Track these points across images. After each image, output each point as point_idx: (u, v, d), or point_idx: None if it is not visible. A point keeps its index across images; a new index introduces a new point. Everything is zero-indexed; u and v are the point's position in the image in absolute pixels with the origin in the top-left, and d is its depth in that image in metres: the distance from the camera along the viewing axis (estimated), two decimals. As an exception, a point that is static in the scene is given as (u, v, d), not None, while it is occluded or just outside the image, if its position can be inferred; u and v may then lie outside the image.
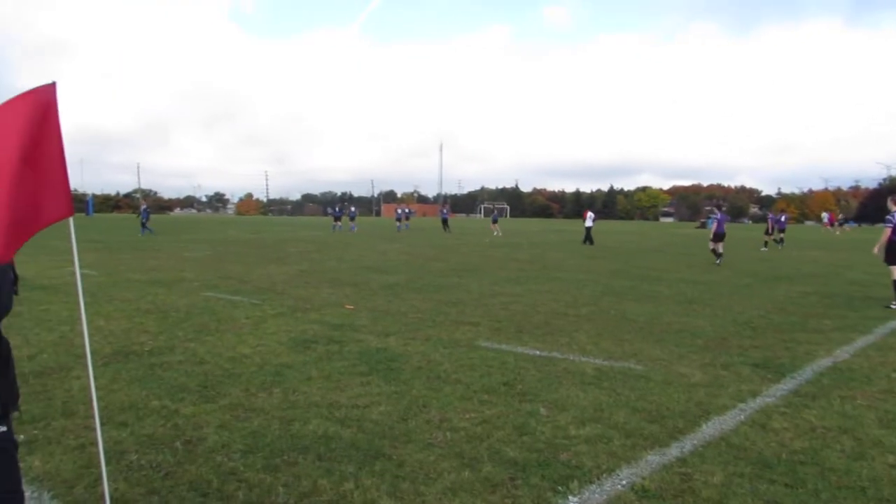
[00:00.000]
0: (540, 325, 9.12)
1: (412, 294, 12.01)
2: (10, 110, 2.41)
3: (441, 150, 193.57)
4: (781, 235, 33.72)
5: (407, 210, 57.23)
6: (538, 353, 7.38)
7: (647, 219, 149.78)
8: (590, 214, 32.25)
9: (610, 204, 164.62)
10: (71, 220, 3.56)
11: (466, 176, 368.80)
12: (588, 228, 31.32)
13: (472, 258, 21.37)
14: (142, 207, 36.61)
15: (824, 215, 61.94)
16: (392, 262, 19.13)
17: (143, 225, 34.35)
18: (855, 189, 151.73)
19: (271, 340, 7.74)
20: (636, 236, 45.37)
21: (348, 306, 10.36)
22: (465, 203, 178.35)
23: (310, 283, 13.51)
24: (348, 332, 8.35)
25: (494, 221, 43.40)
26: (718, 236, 20.87)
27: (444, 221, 46.69)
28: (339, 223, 45.34)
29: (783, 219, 35.83)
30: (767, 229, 31.09)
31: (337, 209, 47.18)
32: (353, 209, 49.58)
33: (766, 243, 30.17)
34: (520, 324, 9.15)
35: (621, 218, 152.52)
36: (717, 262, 20.36)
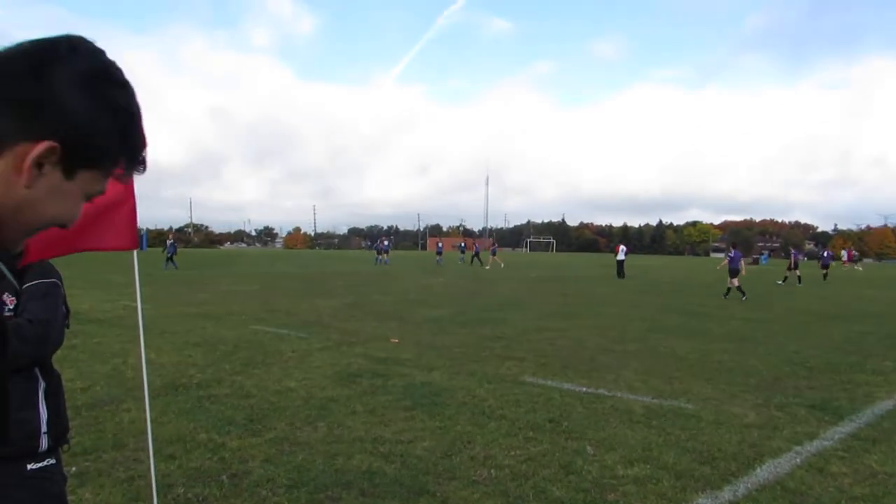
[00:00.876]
0: (586, 360, 8.99)
1: (457, 328, 11.98)
2: None
3: (487, 183, 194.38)
4: (825, 271, 33.37)
5: (462, 244, 58.27)
6: (584, 389, 7.27)
7: (697, 254, 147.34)
8: (622, 248, 33.04)
9: (659, 238, 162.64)
10: (135, 253, 3.71)
11: (512, 209, 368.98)
12: (620, 262, 31.71)
13: (517, 292, 21.26)
14: (168, 242, 36.52)
15: (843, 253, 61.48)
16: (437, 296, 19.15)
17: (169, 259, 33.82)
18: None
19: (316, 374, 7.79)
20: (685, 271, 44.62)
21: (393, 340, 10.38)
22: (511, 237, 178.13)
23: (355, 316, 13.60)
24: (393, 366, 8.35)
25: (493, 254, 45.01)
26: (733, 272, 20.81)
27: (476, 254, 47.37)
28: (380, 256, 46.88)
29: (826, 254, 35.52)
30: (790, 265, 30.67)
31: (376, 243, 48.70)
32: (385, 243, 50.54)
33: (785, 278, 29.92)
34: (566, 359, 9.03)
35: (670, 253, 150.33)
36: (744, 297, 20.28)
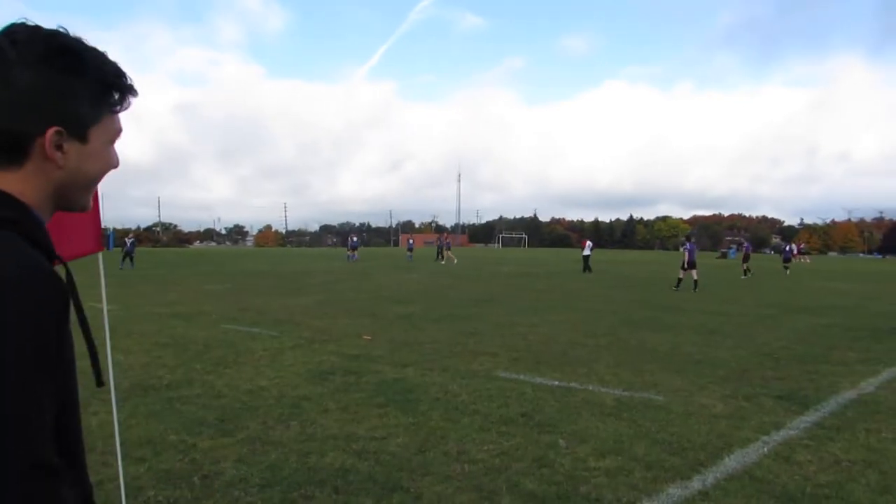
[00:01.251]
0: (558, 355, 9.05)
1: (430, 324, 11.99)
2: None
3: (459, 180, 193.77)
4: (787, 265, 34.28)
5: (442, 240, 58.02)
6: (557, 383, 7.32)
7: (666, 248, 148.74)
8: (588, 243, 33.61)
9: (629, 233, 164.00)
10: (100, 255, 3.65)
11: (485, 205, 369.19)
12: (586, 257, 32.22)
13: (489, 288, 21.32)
14: (129, 240, 35.19)
15: (792, 246, 63.66)
16: (409, 292, 19.13)
17: (128, 257, 32.94)
18: (879, 220, 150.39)
19: (289, 372, 7.74)
20: (656, 266, 45.07)
21: (366, 337, 10.36)
22: (483, 232, 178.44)
23: (327, 313, 13.53)
24: (365, 363, 8.34)
25: (448, 248, 45.33)
26: (690, 264, 21.53)
27: (439, 250, 47.38)
28: (350, 253, 47.21)
29: (787, 248, 36.52)
30: (744, 257, 31.62)
31: (348, 241, 49.43)
32: (354, 239, 50.62)
33: (745, 270, 30.68)
34: (538, 354, 9.09)
35: (640, 247, 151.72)
36: (675, 288, 21.20)
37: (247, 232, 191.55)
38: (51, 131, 0.99)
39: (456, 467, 4.66)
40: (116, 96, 1.08)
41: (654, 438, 5.37)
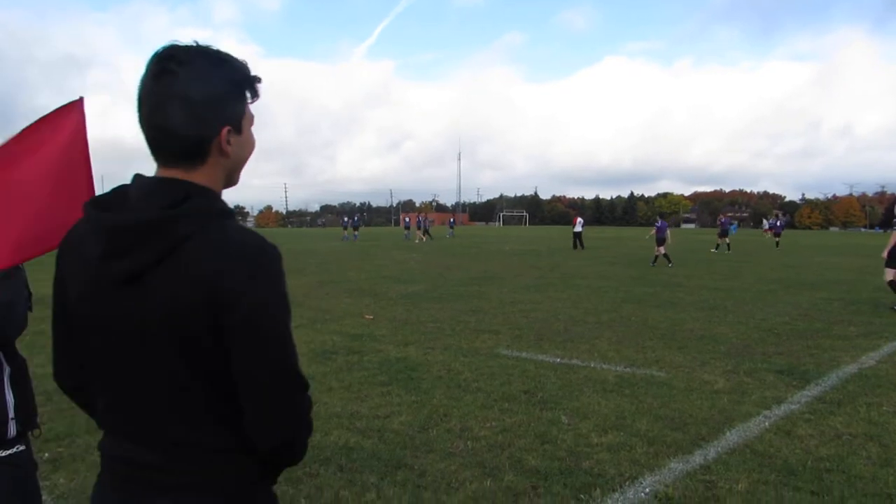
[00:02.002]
0: (560, 332, 9.08)
1: (431, 303, 12.01)
2: (40, 130, 2.41)
3: (459, 158, 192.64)
4: (777, 240, 34.32)
5: (451, 220, 57.87)
6: (559, 360, 7.35)
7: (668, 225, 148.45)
8: (579, 220, 33.60)
9: (630, 210, 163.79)
10: None
11: (485, 184, 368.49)
12: (577, 233, 32.29)
13: (490, 266, 21.33)
14: None
15: (765, 222, 63.08)
16: (411, 272, 19.15)
17: None
18: (881, 194, 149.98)
19: (292, 351, 7.75)
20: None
21: (367, 316, 10.39)
22: (484, 211, 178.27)
23: (329, 293, 13.56)
24: (368, 342, 8.37)
25: (419, 228, 45.44)
26: (658, 241, 22.06)
27: (426, 230, 47.31)
28: (355, 232, 47.59)
29: (779, 224, 36.52)
30: (720, 232, 31.62)
31: (346, 220, 50.02)
32: (345, 219, 50.85)
33: (717, 246, 30.68)
34: (540, 331, 9.12)
35: (642, 224, 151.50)
36: (653, 264, 21.74)
37: (247, 213, 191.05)
38: (225, 130, 1.24)
39: (459, 444, 4.70)
40: (250, 91, 1.31)
41: (656, 414, 5.40)
